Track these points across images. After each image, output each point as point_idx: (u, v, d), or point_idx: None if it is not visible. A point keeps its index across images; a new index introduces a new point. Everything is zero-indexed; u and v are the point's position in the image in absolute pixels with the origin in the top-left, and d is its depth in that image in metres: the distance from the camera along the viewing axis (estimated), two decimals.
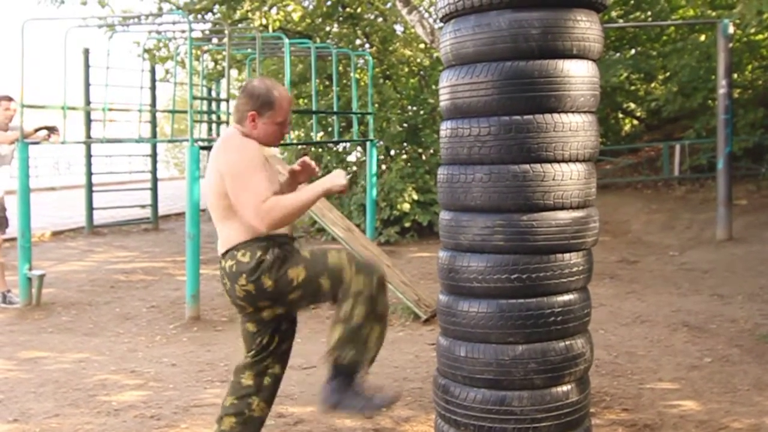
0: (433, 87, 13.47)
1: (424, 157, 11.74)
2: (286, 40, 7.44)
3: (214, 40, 10.49)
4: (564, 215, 2.66)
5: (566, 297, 2.71)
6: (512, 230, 2.63)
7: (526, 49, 2.58)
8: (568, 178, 2.64)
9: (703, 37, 13.03)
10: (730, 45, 8.59)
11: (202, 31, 10.88)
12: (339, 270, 2.80)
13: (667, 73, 12.92)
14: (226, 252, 2.87)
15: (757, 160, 11.15)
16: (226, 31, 6.44)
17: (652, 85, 14.28)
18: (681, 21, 11.93)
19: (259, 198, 2.70)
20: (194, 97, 6.30)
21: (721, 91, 8.59)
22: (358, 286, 2.76)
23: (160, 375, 4.75)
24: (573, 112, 2.65)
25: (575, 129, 2.65)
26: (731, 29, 8.55)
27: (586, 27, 2.62)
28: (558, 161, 2.63)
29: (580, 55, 2.65)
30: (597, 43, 2.69)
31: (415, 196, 10.61)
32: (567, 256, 2.68)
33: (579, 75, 2.64)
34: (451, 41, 2.73)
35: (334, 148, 12.53)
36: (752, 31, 11.10)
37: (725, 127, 8.62)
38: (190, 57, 6.09)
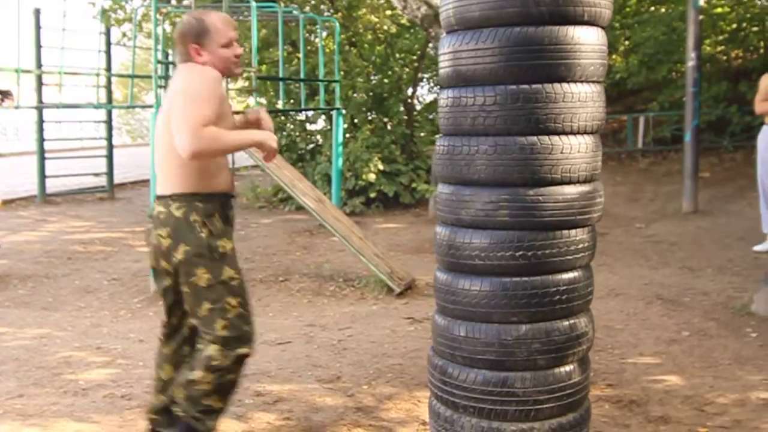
0: (398, 55, 13.27)
1: (389, 127, 11.57)
2: (253, 3, 7.15)
3: (174, 2, 10.09)
4: (571, 190, 2.54)
5: (571, 275, 2.60)
6: (518, 205, 2.50)
7: (536, 15, 2.43)
8: (576, 151, 2.52)
9: (663, 9, 13.07)
10: (700, 17, 8.57)
11: None
12: (227, 310, 2.80)
13: (629, 45, 12.94)
14: (161, 197, 2.79)
15: (719, 134, 11.26)
16: None
17: (613, 57, 14.30)
18: None
19: (202, 120, 2.56)
20: (158, 62, 6.00)
21: (690, 63, 8.59)
22: (217, 350, 2.81)
23: (128, 351, 4.56)
24: (582, 81, 2.52)
25: (584, 99, 2.52)
26: (701, 1, 8.53)
27: None
28: (566, 133, 2.50)
29: (591, 22, 2.51)
30: (607, 9, 2.56)
31: (381, 166, 10.47)
32: (573, 232, 2.57)
33: (589, 42, 2.50)
34: (454, 5, 2.56)
35: (297, 117, 12.27)
36: (722, 2, 11.15)
37: (693, 100, 8.64)
38: (154, 19, 5.79)
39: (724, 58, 12.47)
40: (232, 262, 2.87)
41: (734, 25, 12.37)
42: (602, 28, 2.59)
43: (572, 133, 2.52)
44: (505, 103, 2.48)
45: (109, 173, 12.11)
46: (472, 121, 2.54)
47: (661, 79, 11.84)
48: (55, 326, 5.12)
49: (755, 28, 12.27)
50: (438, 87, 13.59)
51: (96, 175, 12.39)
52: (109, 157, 12.03)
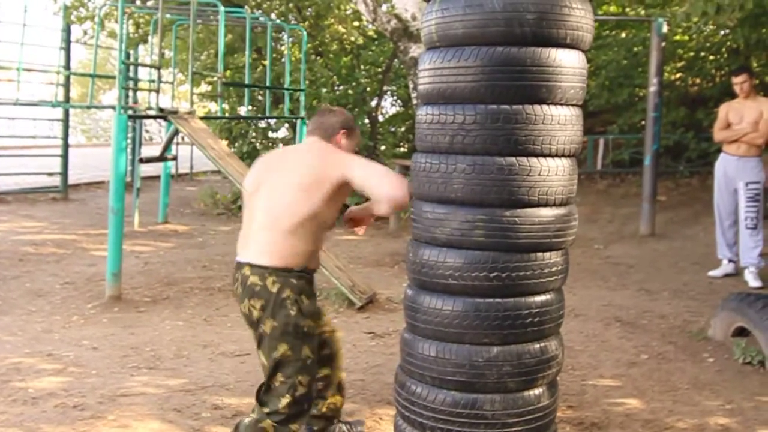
0: (363, 67, 13.26)
1: None
2: (222, 8, 7.06)
3: (138, 2, 9.92)
4: (548, 212, 2.53)
5: (544, 297, 2.60)
6: (494, 226, 2.48)
7: (520, 35, 2.43)
8: (554, 173, 2.52)
9: (624, 34, 13.30)
10: (663, 44, 8.73)
11: None
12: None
13: (591, 68, 13.11)
14: (257, 266, 2.81)
15: (676, 159, 11.48)
16: None
17: None
18: (618, 17, 12.11)
19: (391, 173, 2.83)
20: (124, 63, 5.87)
21: (652, 89, 8.73)
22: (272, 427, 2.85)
23: (81, 359, 4.41)
24: (563, 104, 2.53)
25: (563, 122, 2.52)
26: (665, 28, 8.70)
27: (581, 15, 2.49)
28: (545, 155, 2.50)
29: (573, 45, 2.52)
30: (589, 33, 2.57)
31: None
32: (548, 254, 2.56)
33: (571, 66, 2.51)
34: (437, 21, 2.55)
35: (260, 125, 12.15)
36: (678, 31, 11.40)
37: (654, 124, 8.78)
38: (121, 20, 5.66)
39: (682, 84, 12.73)
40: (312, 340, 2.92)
41: (692, 54, 12.66)
42: (583, 51, 2.60)
43: (550, 155, 2.52)
44: (485, 122, 2.47)
45: (64, 173, 11.81)
46: (451, 140, 2.52)
47: (621, 103, 12.03)
48: (3, 331, 4.94)
49: (712, 57, 12.57)
50: (400, 101, 13.59)
51: (50, 174, 12.05)
52: (65, 157, 11.73)
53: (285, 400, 2.82)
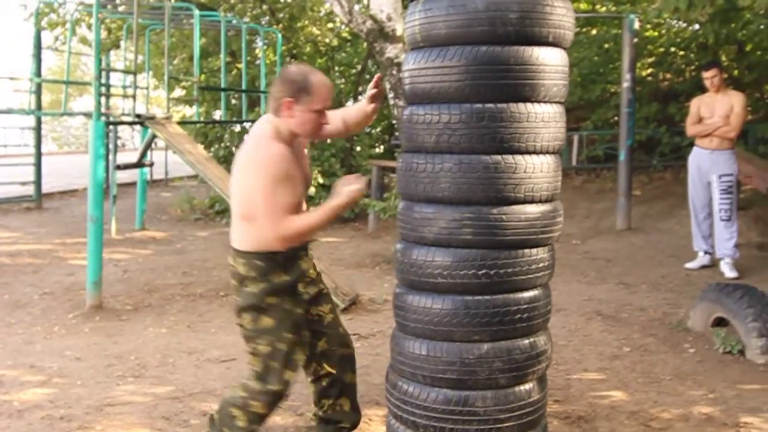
0: (337, 69, 13.26)
1: (329, 140, 11.51)
2: (197, 12, 7.02)
3: (110, 7, 9.83)
4: (534, 209, 2.56)
5: (532, 293, 2.62)
6: (481, 224, 2.51)
7: (503, 34, 2.45)
8: (539, 170, 2.55)
9: (595, 31, 13.45)
10: (635, 40, 8.84)
11: None
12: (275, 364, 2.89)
13: None
14: (234, 249, 2.94)
15: (649, 153, 11.62)
16: None
17: None
18: (589, 14, 12.23)
19: (276, 219, 2.73)
20: (101, 69, 5.82)
21: (625, 84, 8.84)
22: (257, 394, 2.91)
23: (65, 370, 4.37)
24: (546, 102, 2.56)
25: (547, 120, 2.55)
26: (637, 24, 8.80)
27: (562, 14, 2.53)
28: (530, 153, 2.53)
29: (555, 43, 2.56)
30: (570, 32, 2.60)
31: (321, 180, 10.41)
32: (535, 251, 2.59)
33: (553, 63, 2.54)
34: (420, 21, 2.57)
35: (234, 128, 12.10)
36: (649, 27, 11.54)
37: (627, 120, 8.89)
38: (96, 26, 5.60)
39: (653, 80, 12.90)
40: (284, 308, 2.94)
41: (662, 49, 12.82)
42: (565, 49, 2.63)
43: (535, 152, 2.55)
44: (470, 121, 2.49)
45: (37, 182, 11.67)
46: (437, 139, 2.54)
47: (594, 99, 12.16)
48: None
49: (682, 53, 12.75)
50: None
51: (22, 183, 11.91)
52: (38, 165, 11.59)
53: (254, 365, 2.90)
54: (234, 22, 9.87)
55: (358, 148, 12.41)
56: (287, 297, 2.91)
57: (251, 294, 2.87)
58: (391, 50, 7.38)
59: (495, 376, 2.57)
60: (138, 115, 6.29)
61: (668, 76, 13.00)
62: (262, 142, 2.82)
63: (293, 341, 2.90)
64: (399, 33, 7.34)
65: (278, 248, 2.80)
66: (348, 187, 2.79)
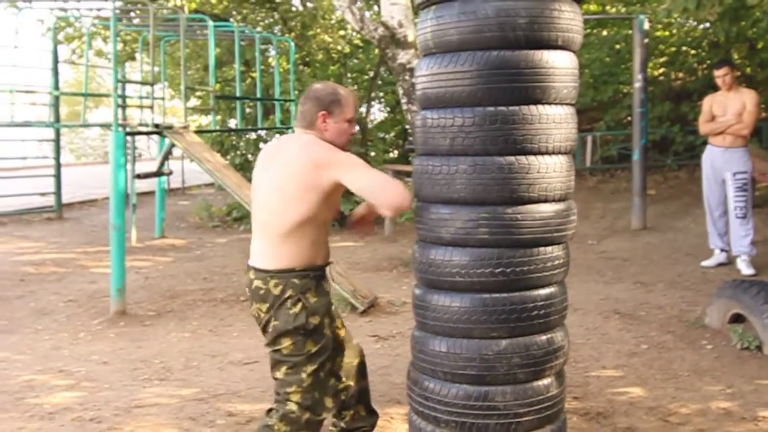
0: (350, 75, 13.37)
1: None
2: (210, 23, 7.15)
3: (125, 21, 9.99)
4: (548, 208, 2.63)
5: (548, 290, 2.69)
6: (497, 223, 2.58)
7: (513, 39, 2.53)
8: (552, 170, 2.61)
9: (605, 32, 13.49)
10: (646, 40, 8.88)
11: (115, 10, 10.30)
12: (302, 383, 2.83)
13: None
14: (260, 270, 2.83)
15: (663, 152, 11.64)
16: (150, 10, 6.10)
17: None
18: (599, 16, 12.28)
19: (395, 181, 2.73)
20: (118, 80, 5.94)
21: (637, 84, 8.87)
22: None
23: (92, 374, 4.48)
24: (557, 104, 2.63)
25: (559, 121, 2.62)
26: (647, 25, 8.84)
27: (570, 18, 2.60)
28: (542, 153, 2.60)
29: (564, 46, 2.63)
30: (579, 35, 2.67)
31: None
32: (550, 249, 2.66)
33: (563, 66, 2.61)
34: (432, 28, 2.65)
35: (249, 136, 12.23)
36: (659, 27, 11.56)
37: (641, 120, 8.92)
38: (114, 37, 5.73)
39: (666, 79, 12.91)
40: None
41: (673, 49, 12.84)
42: (574, 52, 2.70)
43: (548, 153, 2.62)
44: (484, 124, 2.56)
45: (57, 192, 11.85)
46: (452, 142, 2.62)
47: (606, 100, 12.19)
48: (13, 350, 4.99)
49: (693, 51, 12.76)
50: (388, 107, 13.68)
51: (43, 194, 12.09)
52: (58, 177, 11.78)
53: (293, 395, 2.81)
54: (247, 31, 10.00)
55: (373, 153, 12.51)
56: (326, 317, 2.90)
57: (294, 315, 2.78)
58: (403, 56, 7.47)
59: (514, 371, 2.63)
60: (156, 125, 6.41)
61: (680, 75, 13.01)
62: (314, 142, 2.82)
63: (329, 369, 2.96)
64: (410, 39, 7.42)
65: (393, 216, 2.78)
66: None
